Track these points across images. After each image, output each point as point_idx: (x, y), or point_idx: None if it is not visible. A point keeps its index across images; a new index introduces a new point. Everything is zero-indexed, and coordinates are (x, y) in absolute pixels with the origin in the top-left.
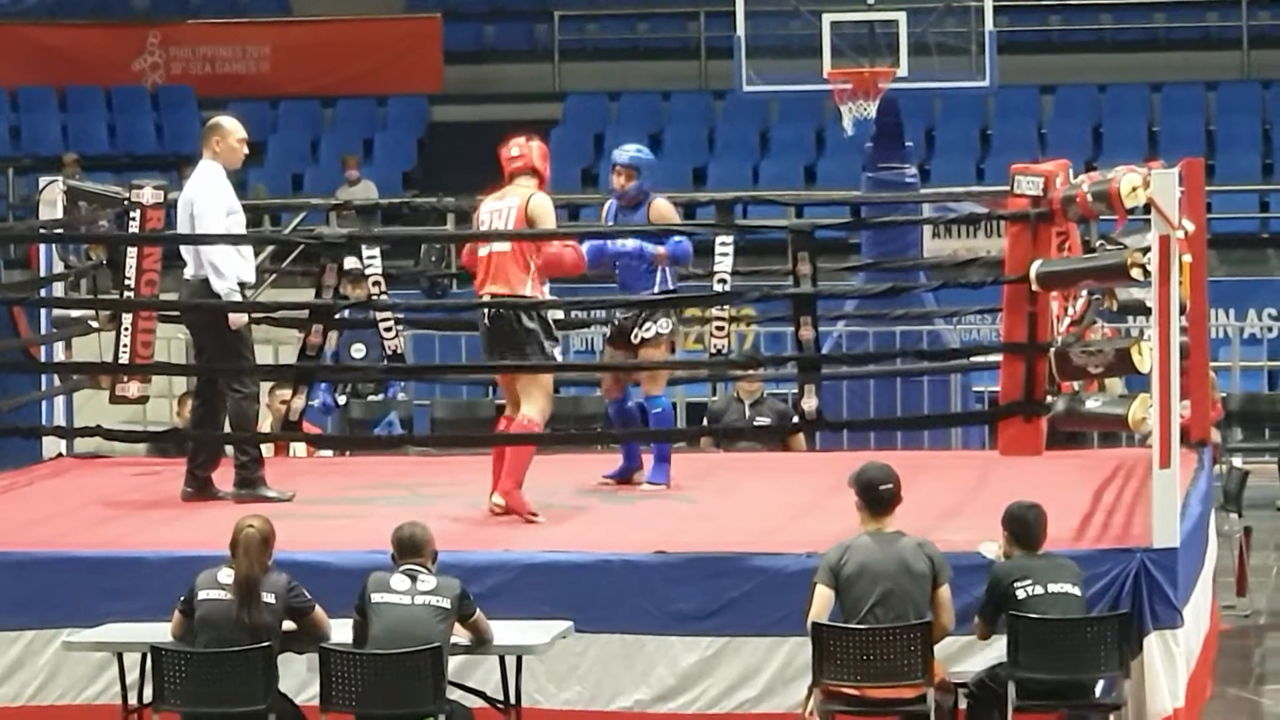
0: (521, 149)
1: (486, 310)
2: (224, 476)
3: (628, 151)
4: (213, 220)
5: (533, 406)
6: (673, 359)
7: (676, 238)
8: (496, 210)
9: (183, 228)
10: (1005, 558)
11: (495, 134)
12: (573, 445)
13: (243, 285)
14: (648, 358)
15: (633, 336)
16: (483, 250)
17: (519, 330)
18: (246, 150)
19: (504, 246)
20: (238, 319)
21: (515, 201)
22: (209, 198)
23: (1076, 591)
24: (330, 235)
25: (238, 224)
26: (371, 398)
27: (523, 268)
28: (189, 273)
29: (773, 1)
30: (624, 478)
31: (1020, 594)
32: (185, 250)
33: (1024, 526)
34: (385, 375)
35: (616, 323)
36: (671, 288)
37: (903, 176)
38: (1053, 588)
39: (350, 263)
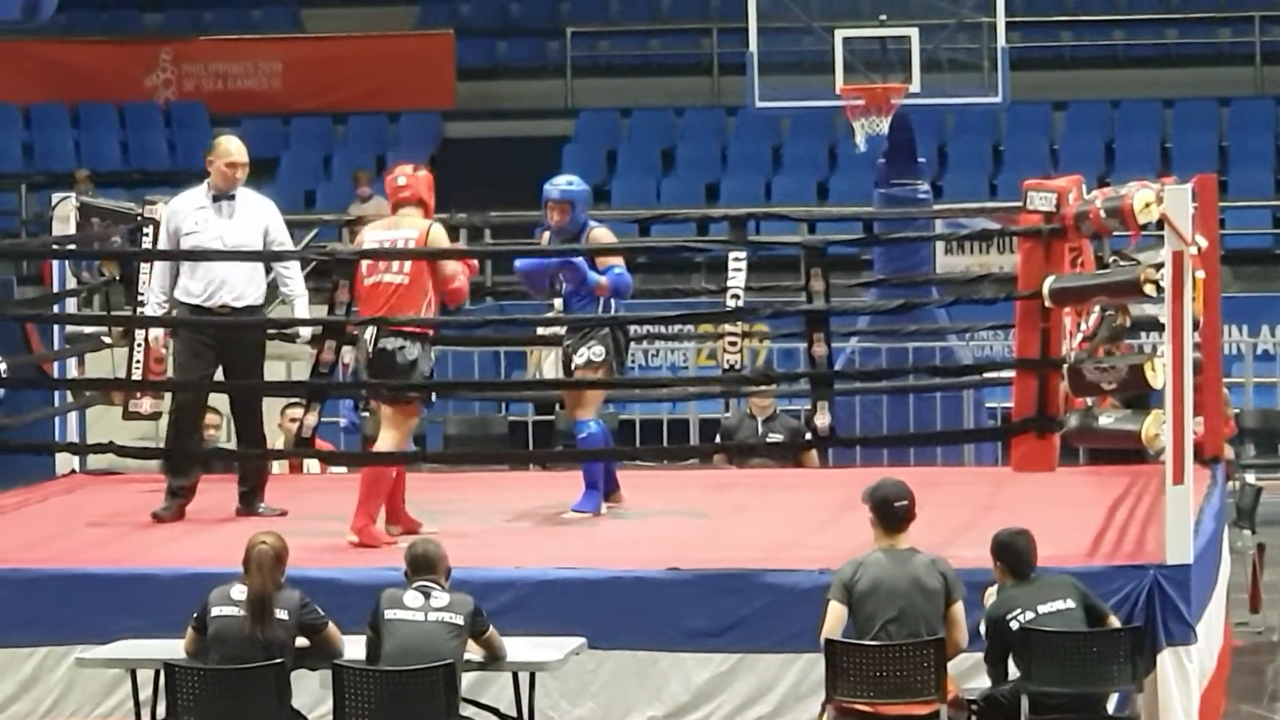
0: (409, 179)
1: (371, 340)
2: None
3: (558, 185)
4: (162, 242)
5: (387, 439)
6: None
7: (617, 269)
8: (387, 240)
9: None
10: (996, 588)
11: (508, 150)
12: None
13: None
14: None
15: (571, 365)
16: (370, 279)
17: (402, 365)
18: (240, 175)
19: (400, 277)
20: (157, 332)
21: (412, 232)
22: (169, 220)
23: (1071, 605)
24: (343, 252)
25: (194, 244)
26: None
27: (420, 298)
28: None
29: (785, 18)
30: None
31: (1013, 625)
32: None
33: (1015, 554)
34: (397, 392)
35: (564, 349)
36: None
37: (915, 192)
38: (1044, 608)
39: None
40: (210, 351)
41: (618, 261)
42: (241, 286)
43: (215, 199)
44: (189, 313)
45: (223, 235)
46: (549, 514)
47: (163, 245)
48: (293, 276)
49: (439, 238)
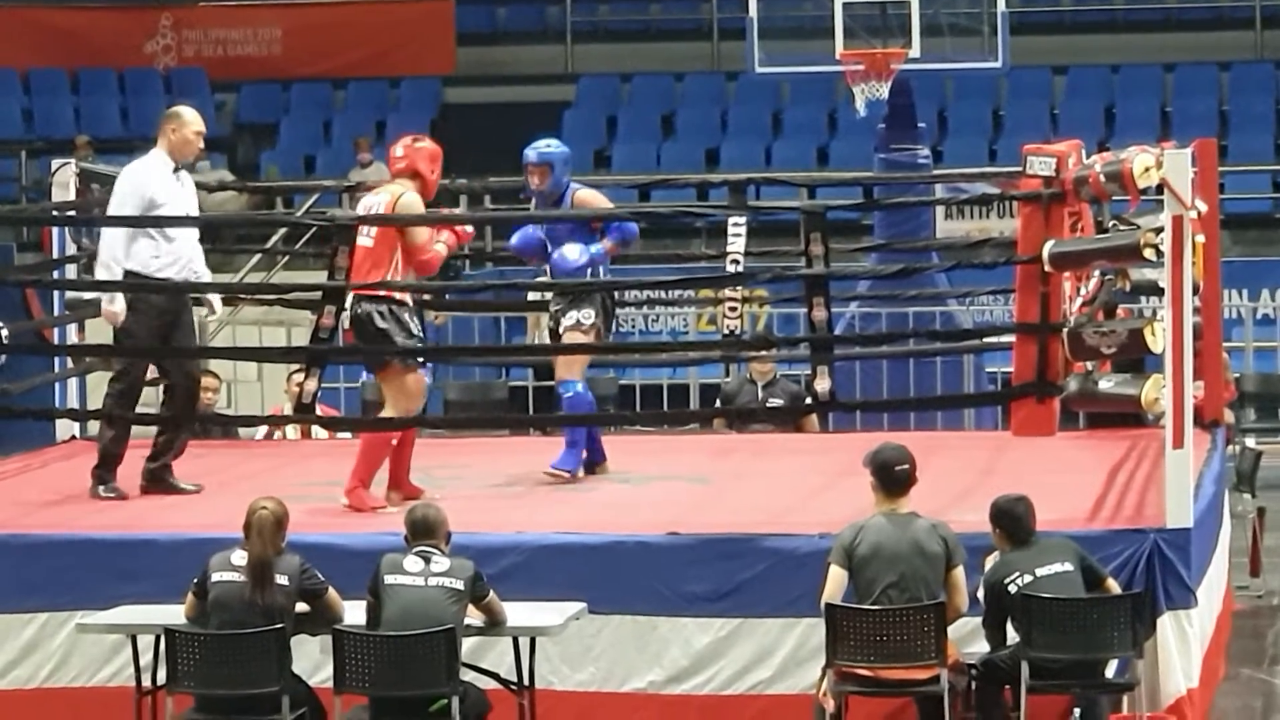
0: (407, 150)
1: (350, 308)
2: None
3: (537, 149)
4: (118, 208)
5: (392, 410)
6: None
7: (614, 223)
8: (370, 205)
9: None
10: (997, 553)
11: (508, 116)
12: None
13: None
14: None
15: (560, 328)
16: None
17: (370, 332)
18: (202, 145)
19: (367, 241)
20: (112, 310)
21: (386, 198)
22: (124, 186)
23: (1069, 568)
24: (342, 217)
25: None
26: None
27: (385, 263)
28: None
29: None
30: (589, 469)
31: (1011, 589)
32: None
33: (1014, 520)
34: (397, 357)
35: (550, 313)
36: (603, 278)
37: (915, 157)
38: (1041, 571)
39: None
40: (162, 327)
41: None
42: (199, 261)
43: (175, 170)
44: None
45: (187, 208)
46: (549, 479)
47: (128, 210)
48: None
49: (408, 204)
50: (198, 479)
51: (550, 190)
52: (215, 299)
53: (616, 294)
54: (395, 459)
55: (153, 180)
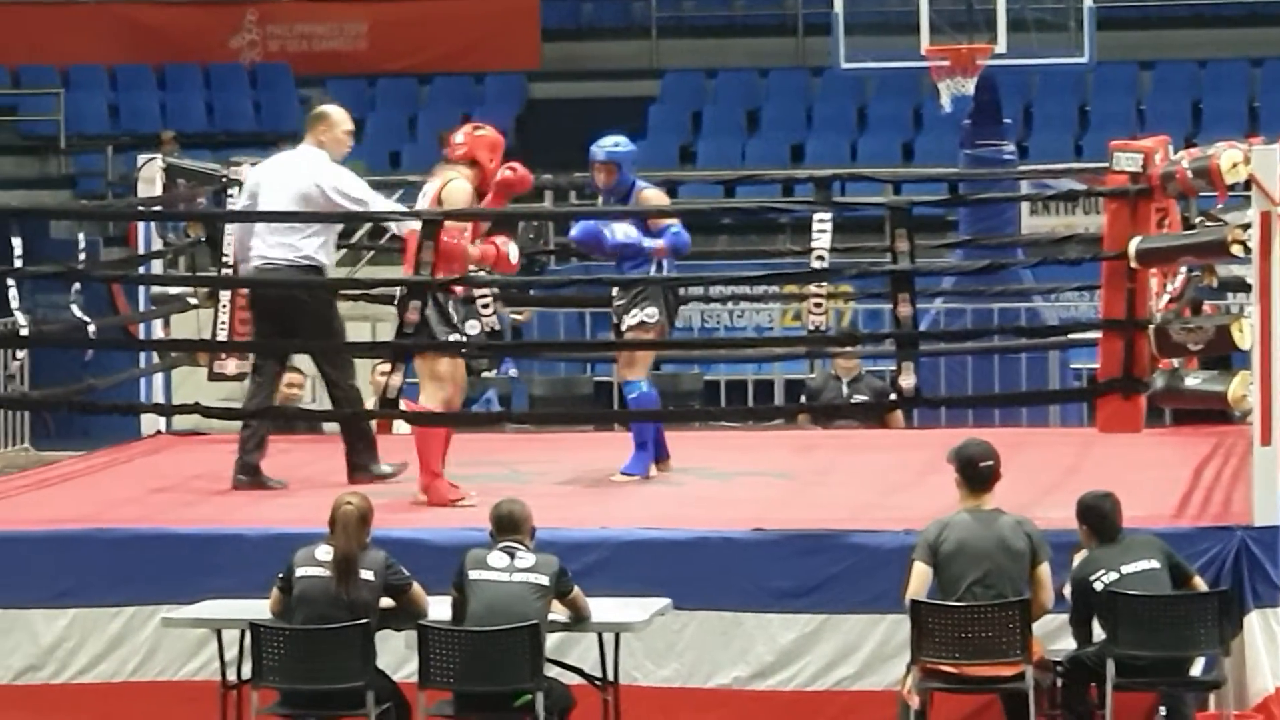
0: (467, 136)
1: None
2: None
3: (604, 147)
4: (363, 190)
5: (428, 399)
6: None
7: (673, 228)
8: (425, 192)
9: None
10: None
11: (593, 111)
12: (670, 422)
13: (318, 268)
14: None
15: (623, 325)
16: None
17: (408, 322)
18: (352, 142)
19: (417, 226)
20: (412, 227)
21: (436, 184)
22: (337, 174)
23: (1156, 565)
24: (428, 213)
25: None
26: (486, 374)
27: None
28: (283, 256)
29: None
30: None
31: (1097, 586)
32: (275, 236)
33: (1100, 517)
34: (480, 352)
35: (614, 309)
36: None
37: (1000, 153)
38: (1127, 568)
39: None
40: None
41: (672, 220)
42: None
43: None
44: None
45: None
46: (621, 483)
47: (373, 196)
48: None
49: (451, 193)
50: (283, 474)
51: (616, 188)
52: None
53: (681, 291)
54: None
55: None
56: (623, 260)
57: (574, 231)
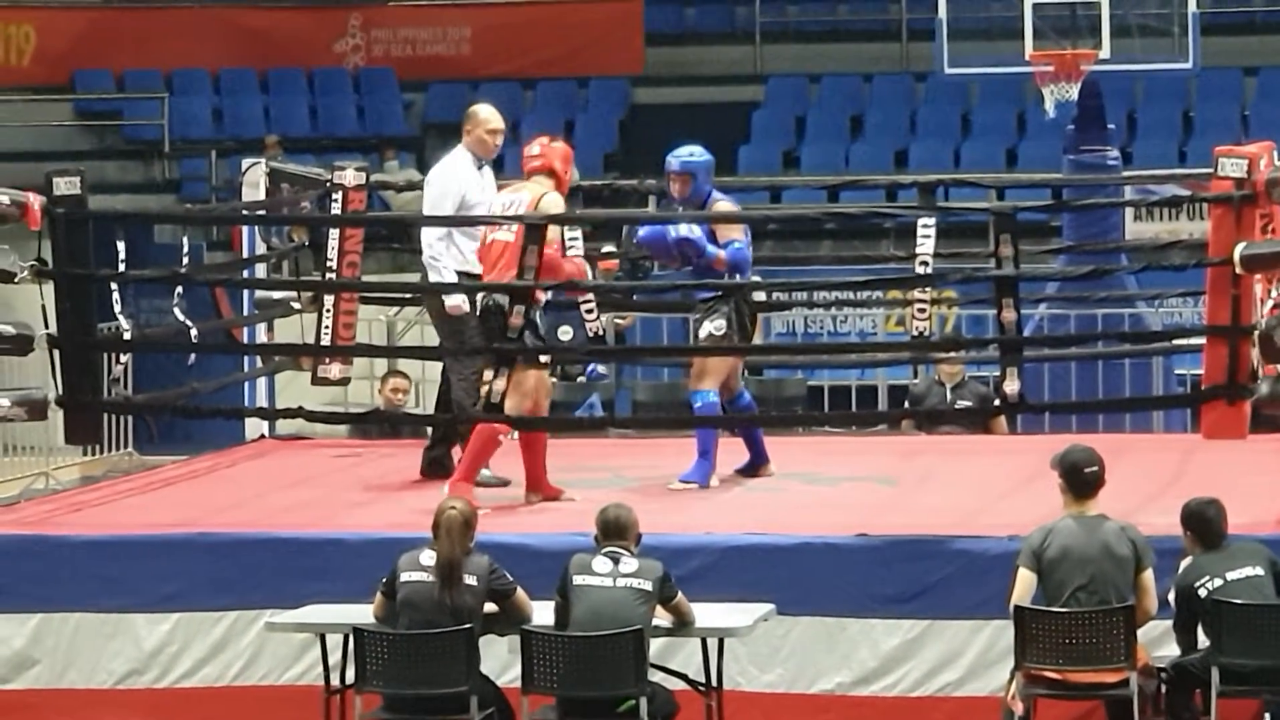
0: (544, 148)
1: (480, 301)
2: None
3: (679, 157)
4: (434, 209)
5: (509, 404)
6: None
7: (736, 244)
8: (508, 203)
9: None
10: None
11: (697, 116)
12: (774, 427)
13: (477, 275)
14: (703, 359)
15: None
16: (491, 237)
17: (500, 325)
18: (499, 141)
19: (508, 236)
20: (454, 304)
21: (527, 196)
22: (436, 187)
23: (1260, 572)
24: (531, 218)
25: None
26: (581, 378)
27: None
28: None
29: None
30: (750, 473)
31: (1201, 593)
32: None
33: (1204, 523)
34: (586, 357)
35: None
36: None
37: (1104, 159)
38: (1232, 575)
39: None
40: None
41: (737, 235)
42: None
43: (479, 167)
44: (470, 280)
45: (492, 203)
46: (738, 480)
47: (446, 209)
48: None
49: (549, 205)
50: (387, 479)
51: (692, 198)
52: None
53: (751, 302)
54: (529, 460)
55: (461, 178)
56: (696, 273)
57: (641, 233)
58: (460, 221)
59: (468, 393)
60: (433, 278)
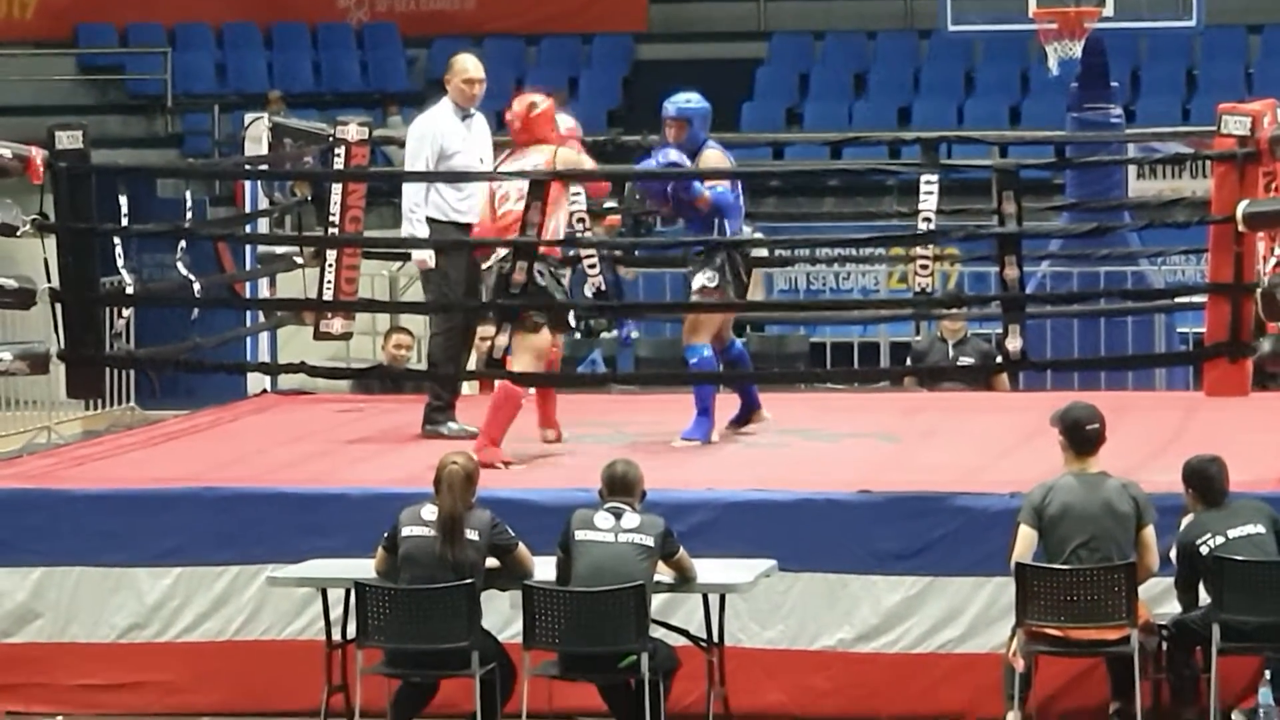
0: (525, 121)
1: (500, 265)
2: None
3: (676, 103)
4: (412, 162)
5: (519, 362)
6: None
7: (720, 189)
8: (521, 167)
9: None
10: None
11: (700, 73)
12: (776, 383)
13: (464, 225)
14: (696, 310)
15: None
16: (502, 209)
17: (530, 289)
18: (478, 91)
19: (520, 206)
20: (420, 258)
21: (540, 159)
22: (413, 137)
23: (1261, 530)
24: (535, 174)
25: (458, 165)
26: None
27: (540, 225)
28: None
29: None
30: (744, 420)
31: (1203, 550)
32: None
33: (1206, 481)
34: (587, 313)
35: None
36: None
37: (1108, 117)
38: (1234, 533)
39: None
40: (472, 266)
41: (722, 185)
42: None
43: (463, 117)
44: (456, 231)
45: (480, 152)
46: (739, 435)
47: (421, 162)
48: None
49: (567, 161)
50: (389, 434)
51: (686, 146)
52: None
53: (747, 253)
54: (541, 400)
55: (444, 130)
56: (691, 225)
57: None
58: (459, 177)
59: (441, 347)
60: (405, 229)
